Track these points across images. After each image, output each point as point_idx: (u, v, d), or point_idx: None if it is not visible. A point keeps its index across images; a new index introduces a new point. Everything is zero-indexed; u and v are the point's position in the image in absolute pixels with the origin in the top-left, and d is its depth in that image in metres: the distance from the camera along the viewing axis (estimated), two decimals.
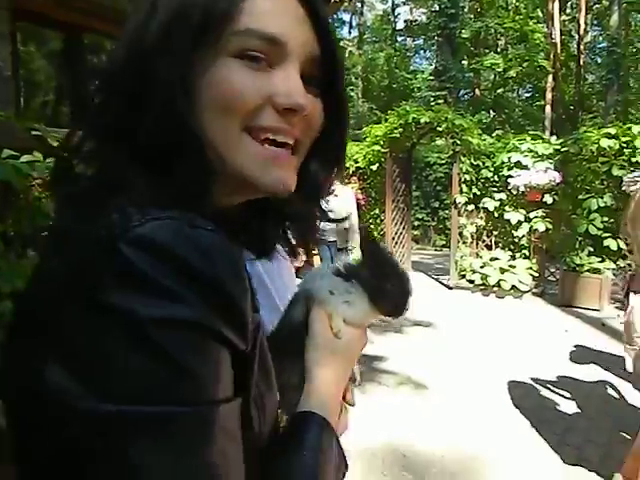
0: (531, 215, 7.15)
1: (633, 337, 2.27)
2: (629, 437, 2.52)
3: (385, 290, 0.62)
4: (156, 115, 0.46)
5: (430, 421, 3.38)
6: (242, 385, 0.45)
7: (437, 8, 19.40)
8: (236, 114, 0.49)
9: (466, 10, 20.93)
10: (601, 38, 21.01)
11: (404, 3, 26.08)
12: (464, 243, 7.88)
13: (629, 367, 2.31)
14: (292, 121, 0.51)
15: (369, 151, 9.04)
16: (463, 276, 7.74)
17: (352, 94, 23.10)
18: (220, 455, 0.39)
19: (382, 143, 8.69)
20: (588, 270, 6.58)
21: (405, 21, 26.53)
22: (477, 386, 3.98)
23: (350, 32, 27.67)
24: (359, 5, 26.08)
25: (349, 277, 0.63)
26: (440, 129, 7.85)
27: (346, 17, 26.56)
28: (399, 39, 27.04)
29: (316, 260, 5.48)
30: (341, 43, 21.70)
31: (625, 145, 6.38)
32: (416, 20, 25.32)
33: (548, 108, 18.03)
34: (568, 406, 3.67)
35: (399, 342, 5.11)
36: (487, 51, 20.03)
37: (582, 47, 18.92)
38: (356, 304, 0.62)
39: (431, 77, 20.57)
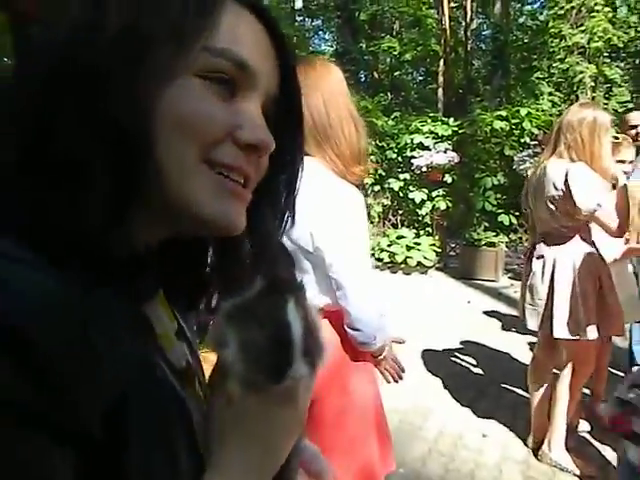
0: (433, 194, 7.52)
1: (535, 299, 2.51)
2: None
3: (250, 337, 0.44)
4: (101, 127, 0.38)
5: None
6: None
7: None
8: (196, 143, 0.42)
9: None
10: (485, 26, 22.43)
11: None
12: (372, 223, 8.12)
13: (531, 326, 2.57)
14: (250, 159, 0.46)
15: None
16: (372, 255, 7.98)
17: None
18: None
19: None
20: (485, 244, 7.08)
21: (304, 0, 26.40)
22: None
23: None
24: None
25: (232, 318, 0.46)
26: None
27: None
28: (298, 19, 26.90)
29: None
30: None
31: (514, 127, 6.89)
32: (315, 0, 25.28)
33: (440, 91, 18.99)
34: (477, 372, 3.94)
35: None
36: (383, 35, 20.55)
37: (469, 34, 20.07)
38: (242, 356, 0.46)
39: (332, 59, 20.77)
